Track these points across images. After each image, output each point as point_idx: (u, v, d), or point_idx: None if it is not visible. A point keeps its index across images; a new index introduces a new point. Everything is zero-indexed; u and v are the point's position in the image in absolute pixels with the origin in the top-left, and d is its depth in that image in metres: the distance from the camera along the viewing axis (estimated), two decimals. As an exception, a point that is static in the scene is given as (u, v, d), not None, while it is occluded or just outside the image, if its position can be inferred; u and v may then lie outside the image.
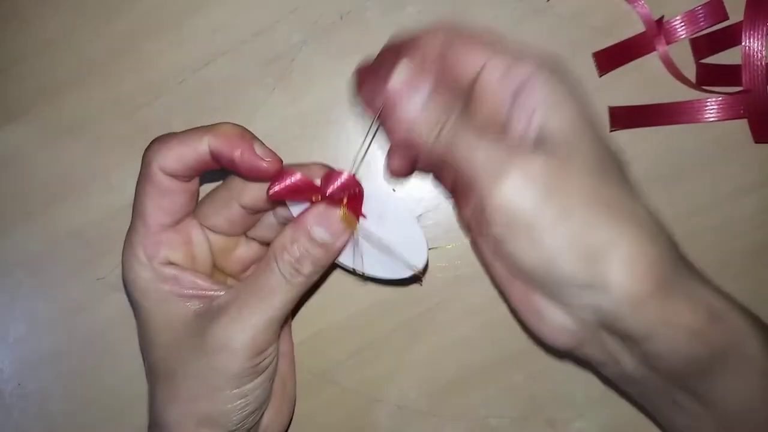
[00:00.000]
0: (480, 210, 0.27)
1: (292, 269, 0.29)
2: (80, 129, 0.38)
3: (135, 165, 0.38)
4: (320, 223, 0.29)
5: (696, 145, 0.37)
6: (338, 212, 0.29)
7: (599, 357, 0.29)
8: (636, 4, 0.36)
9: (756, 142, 0.36)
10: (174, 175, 0.29)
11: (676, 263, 0.27)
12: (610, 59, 0.36)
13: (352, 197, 0.30)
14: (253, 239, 0.34)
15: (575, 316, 0.27)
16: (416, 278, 0.33)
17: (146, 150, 0.30)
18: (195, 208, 0.32)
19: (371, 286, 0.38)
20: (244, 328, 0.28)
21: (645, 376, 0.28)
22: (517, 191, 0.26)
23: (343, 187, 0.29)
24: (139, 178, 0.30)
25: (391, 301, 0.38)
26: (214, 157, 0.29)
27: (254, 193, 0.31)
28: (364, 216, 0.31)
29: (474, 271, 0.37)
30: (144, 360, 0.32)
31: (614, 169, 0.28)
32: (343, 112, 0.37)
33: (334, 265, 0.32)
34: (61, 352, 0.38)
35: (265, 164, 0.28)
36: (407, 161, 0.31)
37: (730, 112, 0.36)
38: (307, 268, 0.29)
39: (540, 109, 0.27)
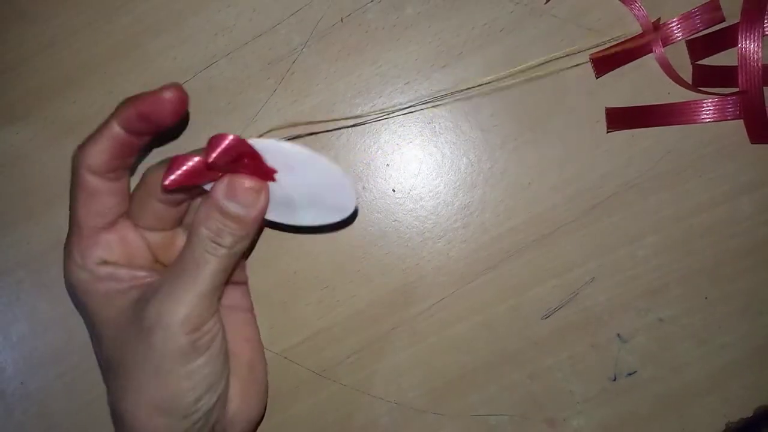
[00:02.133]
0: None
1: (212, 243, 0.29)
2: (81, 129, 0.38)
3: (135, 165, 0.38)
4: (229, 196, 0.29)
5: (692, 146, 0.37)
6: (245, 182, 0.28)
7: None
8: (633, 6, 0.36)
9: (752, 143, 0.37)
10: (100, 172, 0.30)
11: None
12: (607, 62, 0.37)
13: (251, 159, 0.28)
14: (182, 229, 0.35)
15: None
16: (352, 217, 0.32)
17: (72, 157, 0.30)
18: (127, 208, 0.32)
19: (371, 285, 0.38)
20: (175, 305, 0.29)
21: None
22: None
23: (229, 150, 0.27)
24: (71, 185, 0.31)
25: (391, 301, 0.38)
26: (127, 128, 0.29)
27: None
28: (274, 173, 0.29)
29: (473, 271, 0.38)
30: (97, 360, 0.33)
31: None
32: (343, 113, 0.38)
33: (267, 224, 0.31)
34: (63, 352, 0.39)
35: (167, 94, 0.28)
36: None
37: (727, 113, 0.36)
38: (227, 240, 0.29)
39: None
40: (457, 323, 0.38)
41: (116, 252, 0.31)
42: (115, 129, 0.30)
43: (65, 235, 0.38)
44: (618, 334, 0.37)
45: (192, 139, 0.38)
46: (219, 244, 0.29)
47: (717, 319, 0.37)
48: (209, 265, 0.29)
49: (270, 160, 0.29)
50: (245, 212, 0.29)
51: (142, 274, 0.31)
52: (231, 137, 0.27)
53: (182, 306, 0.28)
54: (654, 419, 0.37)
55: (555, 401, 0.38)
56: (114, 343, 0.30)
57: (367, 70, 0.37)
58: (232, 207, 0.29)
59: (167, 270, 0.30)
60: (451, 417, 0.38)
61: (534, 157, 0.37)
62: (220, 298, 0.31)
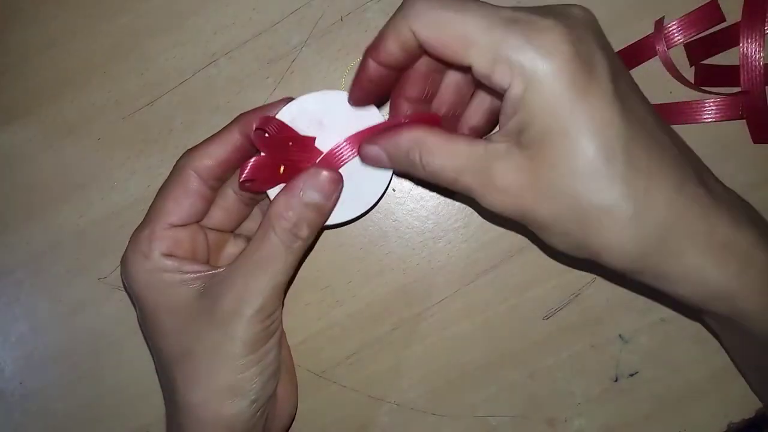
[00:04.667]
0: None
1: (290, 235, 0.30)
2: (81, 129, 0.39)
3: (136, 165, 0.38)
4: (311, 186, 0.31)
5: (695, 145, 0.37)
6: (324, 172, 0.31)
7: None
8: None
9: (754, 143, 0.36)
10: (205, 177, 0.31)
11: (671, 246, 0.26)
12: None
13: (294, 140, 0.32)
14: (240, 236, 0.36)
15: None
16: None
17: (180, 158, 0.32)
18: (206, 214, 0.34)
19: (371, 285, 0.38)
20: (252, 295, 0.30)
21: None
22: (497, 209, 0.28)
23: (265, 125, 0.31)
24: (166, 181, 0.32)
25: (391, 301, 0.38)
26: (249, 137, 0.31)
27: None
28: (314, 140, 0.32)
29: (474, 271, 0.37)
30: (154, 354, 0.33)
31: (607, 161, 0.25)
32: (343, 112, 0.38)
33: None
34: (62, 352, 0.39)
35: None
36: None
37: (729, 113, 0.36)
38: (304, 232, 0.31)
39: (522, 111, 0.26)
40: (457, 323, 0.38)
41: (183, 248, 0.32)
42: (236, 136, 0.32)
43: (65, 235, 0.38)
44: (619, 335, 0.37)
45: (191, 138, 0.38)
46: (297, 236, 0.31)
47: (718, 319, 0.37)
48: (287, 257, 0.31)
49: (303, 126, 0.32)
50: (324, 201, 0.31)
51: (203, 267, 0.32)
52: (261, 117, 0.31)
53: (260, 296, 0.30)
54: (655, 419, 0.37)
55: (556, 402, 0.37)
56: (179, 336, 0.31)
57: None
58: (315, 196, 0.31)
59: (237, 262, 0.31)
60: (452, 417, 0.38)
61: (534, 157, 0.37)
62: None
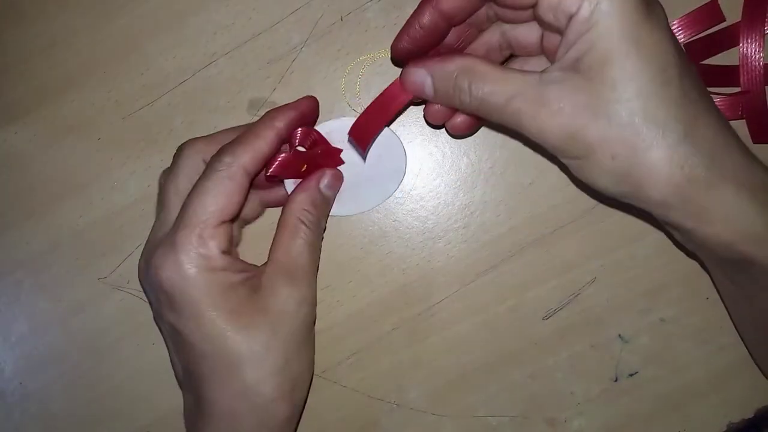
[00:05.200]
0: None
1: (317, 226, 0.34)
2: (82, 129, 0.39)
3: (136, 165, 0.38)
4: (329, 185, 0.35)
5: (694, 145, 0.37)
6: (334, 172, 0.35)
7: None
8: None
9: (754, 143, 0.36)
10: (253, 173, 0.32)
11: (714, 180, 0.27)
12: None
13: (322, 144, 0.35)
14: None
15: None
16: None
17: (221, 155, 0.31)
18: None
19: (371, 285, 0.38)
20: (303, 286, 0.33)
21: (696, 249, 0.31)
22: (547, 136, 0.28)
23: (305, 136, 0.34)
24: (207, 179, 0.31)
25: (391, 301, 0.38)
26: (295, 125, 0.33)
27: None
28: (341, 152, 0.36)
29: (474, 271, 0.37)
30: (182, 355, 0.32)
31: (660, 92, 0.27)
32: (343, 112, 0.37)
33: None
34: (62, 352, 0.39)
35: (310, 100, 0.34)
36: (446, 110, 0.33)
37: (729, 113, 0.36)
38: (323, 224, 0.35)
39: (585, 36, 0.27)
40: (457, 323, 0.38)
41: (228, 243, 0.32)
42: (272, 134, 0.32)
43: (65, 235, 0.38)
44: (619, 335, 0.37)
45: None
46: (320, 227, 0.34)
47: (718, 319, 0.37)
48: (317, 248, 0.34)
49: (336, 140, 0.36)
50: (332, 193, 0.35)
51: (247, 265, 0.33)
52: (303, 128, 0.34)
53: (306, 289, 0.33)
54: (655, 420, 0.37)
55: (556, 402, 0.37)
56: (249, 330, 0.31)
57: (368, 69, 0.37)
58: (328, 190, 0.35)
59: (276, 260, 0.33)
60: (452, 417, 0.38)
61: (534, 157, 0.37)
62: None
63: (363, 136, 0.34)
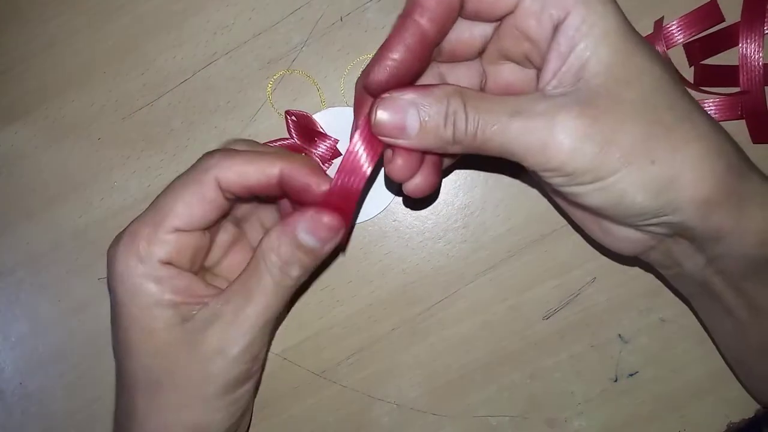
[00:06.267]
0: (533, 172, 0.26)
1: (281, 273, 0.28)
2: (81, 129, 0.38)
3: (136, 165, 0.38)
4: (308, 229, 0.28)
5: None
6: (326, 218, 0.28)
7: (663, 261, 0.30)
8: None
9: (754, 143, 0.36)
10: (227, 190, 0.28)
11: (744, 170, 0.26)
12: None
13: (318, 136, 0.34)
14: (229, 221, 0.33)
15: (644, 231, 0.27)
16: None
17: (205, 157, 0.29)
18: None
19: (371, 285, 0.38)
20: (240, 334, 0.28)
21: (706, 278, 0.29)
22: (567, 156, 0.24)
23: (299, 122, 0.33)
24: (183, 180, 0.29)
25: (391, 301, 0.38)
26: (284, 181, 0.28)
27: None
28: (337, 143, 0.35)
29: (474, 271, 0.37)
30: (118, 365, 0.30)
31: (669, 88, 0.25)
32: (343, 112, 0.38)
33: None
34: (62, 352, 0.39)
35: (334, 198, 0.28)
36: (414, 163, 0.28)
37: (729, 113, 0.36)
38: (295, 272, 0.28)
39: (582, 43, 0.25)
40: (457, 323, 0.37)
41: (184, 257, 0.29)
42: (273, 171, 0.28)
43: (65, 235, 0.38)
44: (619, 335, 0.37)
45: (191, 138, 0.38)
46: (287, 275, 0.28)
47: (718, 319, 0.37)
48: (274, 295, 0.28)
49: (332, 130, 0.35)
50: (320, 246, 0.28)
51: (198, 288, 0.29)
52: (300, 115, 0.33)
53: (247, 335, 0.28)
54: (655, 420, 0.37)
55: (556, 402, 0.37)
56: (152, 360, 0.28)
57: (367, 69, 0.37)
58: (309, 240, 0.28)
59: (228, 293, 0.29)
60: (452, 418, 0.38)
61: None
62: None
63: (342, 211, 0.28)
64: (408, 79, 0.26)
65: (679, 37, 0.36)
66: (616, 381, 0.37)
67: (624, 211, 0.26)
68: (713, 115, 0.36)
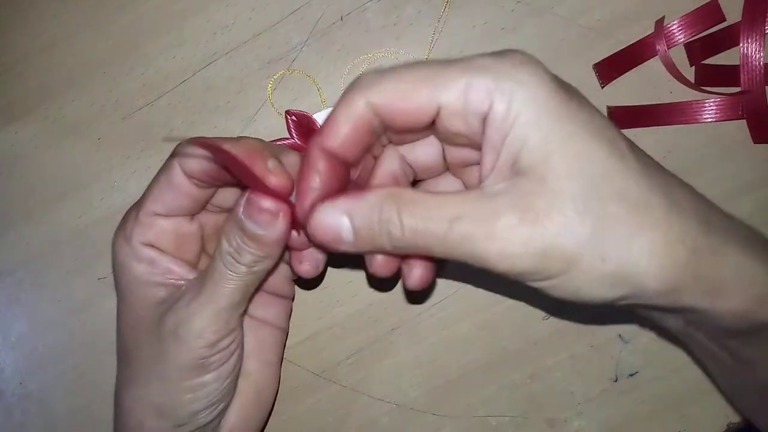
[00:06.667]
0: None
1: (231, 259, 0.28)
2: (81, 129, 0.38)
3: (136, 164, 0.38)
4: (246, 215, 0.27)
5: (695, 145, 0.37)
6: (262, 201, 0.27)
7: (641, 313, 0.29)
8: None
9: (755, 143, 0.36)
10: (190, 176, 0.29)
11: (716, 246, 0.24)
12: (611, 68, 0.36)
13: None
14: None
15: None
16: None
17: (177, 145, 0.30)
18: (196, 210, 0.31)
19: (370, 286, 0.38)
20: (191, 316, 0.28)
21: (689, 333, 0.28)
22: (510, 263, 0.23)
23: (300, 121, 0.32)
24: (161, 167, 0.30)
25: (391, 301, 0.38)
26: (228, 167, 0.28)
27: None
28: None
29: (474, 271, 0.37)
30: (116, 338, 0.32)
31: (618, 171, 0.24)
32: (343, 112, 0.37)
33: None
34: (62, 352, 0.39)
35: (273, 179, 0.27)
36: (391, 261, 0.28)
37: (729, 113, 0.36)
38: (246, 259, 0.28)
39: (510, 134, 0.23)
40: (457, 323, 0.37)
41: (166, 240, 0.30)
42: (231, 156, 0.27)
43: (65, 235, 0.38)
44: (619, 335, 0.37)
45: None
46: (238, 261, 0.28)
47: (718, 319, 0.37)
48: (228, 281, 0.28)
49: None
50: (263, 233, 0.27)
51: (178, 270, 0.30)
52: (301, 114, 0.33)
53: (198, 319, 0.28)
54: (655, 420, 0.37)
55: (556, 402, 0.37)
56: (131, 333, 0.30)
57: (368, 69, 0.37)
58: (250, 225, 0.27)
59: (195, 279, 0.29)
60: (452, 418, 0.38)
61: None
62: (242, 316, 0.30)
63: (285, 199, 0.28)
64: (338, 186, 0.26)
65: (680, 37, 0.36)
66: (616, 381, 0.37)
67: (587, 301, 0.24)
68: (714, 115, 0.36)
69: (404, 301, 0.38)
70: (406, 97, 0.24)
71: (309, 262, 0.30)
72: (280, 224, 0.27)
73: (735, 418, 0.37)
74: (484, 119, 0.23)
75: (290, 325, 0.38)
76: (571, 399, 0.37)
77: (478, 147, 0.25)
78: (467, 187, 0.29)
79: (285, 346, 0.35)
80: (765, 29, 0.35)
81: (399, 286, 0.38)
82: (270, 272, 0.30)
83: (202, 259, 0.32)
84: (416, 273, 0.28)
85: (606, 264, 0.23)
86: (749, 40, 0.35)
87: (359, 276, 0.38)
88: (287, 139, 0.37)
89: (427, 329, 0.38)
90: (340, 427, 0.38)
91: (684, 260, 0.23)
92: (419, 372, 0.38)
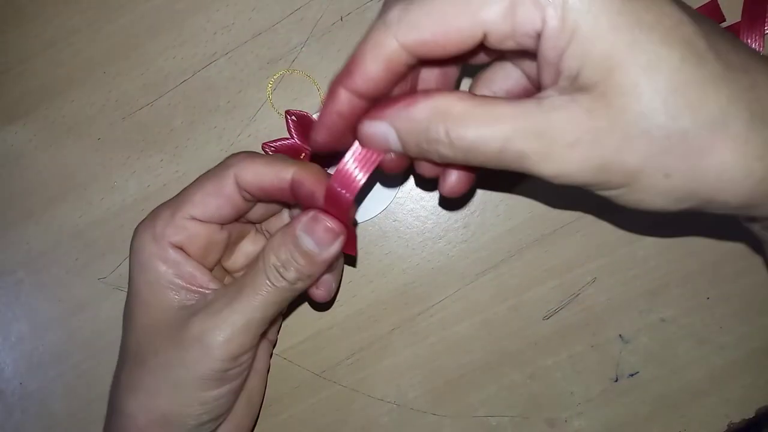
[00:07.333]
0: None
1: (276, 273, 0.28)
2: (81, 129, 0.39)
3: (136, 165, 0.38)
4: (308, 231, 0.28)
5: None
6: (327, 221, 0.28)
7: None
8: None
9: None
10: (243, 188, 0.29)
11: None
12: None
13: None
14: (261, 233, 0.34)
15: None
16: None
17: (230, 156, 0.30)
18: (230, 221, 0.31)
19: (371, 285, 0.38)
20: (220, 325, 0.28)
21: (761, 235, 0.27)
22: (571, 175, 0.22)
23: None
24: (207, 174, 0.30)
25: (391, 301, 0.38)
26: (294, 186, 0.28)
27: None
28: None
29: (474, 271, 0.37)
30: (122, 335, 0.31)
31: (692, 80, 0.21)
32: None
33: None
34: (62, 352, 0.39)
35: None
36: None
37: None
38: (291, 275, 0.28)
39: (569, 49, 0.21)
40: (457, 323, 0.37)
41: (196, 245, 0.30)
42: (286, 175, 0.29)
43: (65, 235, 0.38)
44: (619, 335, 0.37)
45: (191, 138, 0.38)
46: (283, 276, 0.28)
47: (717, 319, 0.37)
48: (266, 294, 0.28)
49: None
50: (317, 251, 0.28)
51: (201, 278, 0.30)
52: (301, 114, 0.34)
53: (228, 327, 0.28)
54: (655, 420, 0.37)
55: (556, 402, 0.37)
56: (143, 336, 0.29)
57: (367, 69, 0.37)
58: (307, 243, 0.28)
59: (225, 287, 0.29)
60: (452, 418, 0.38)
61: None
62: (264, 335, 0.30)
63: (341, 219, 0.29)
64: (351, 136, 0.26)
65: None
66: (616, 381, 0.37)
67: (652, 210, 0.23)
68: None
69: (404, 301, 0.38)
70: (444, 31, 0.22)
71: (325, 287, 0.31)
72: (336, 246, 0.29)
73: (735, 418, 0.37)
74: (539, 35, 0.21)
75: (290, 325, 0.38)
76: (571, 399, 0.37)
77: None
78: (528, 77, 0.27)
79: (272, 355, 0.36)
80: (765, 29, 0.35)
81: (399, 287, 0.38)
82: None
83: (216, 269, 0.32)
84: (452, 180, 0.28)
85: (670, 180, 0.22)
86: (749, 41, 0.35)
87: (359, 276, 0.38)
88: (287, 139, 0.37)
89: (427, 329, 0.38)
90: (340, 427, 0.38)
91: (760, 176, 0.21)
92: (419, 372, 0.38)
